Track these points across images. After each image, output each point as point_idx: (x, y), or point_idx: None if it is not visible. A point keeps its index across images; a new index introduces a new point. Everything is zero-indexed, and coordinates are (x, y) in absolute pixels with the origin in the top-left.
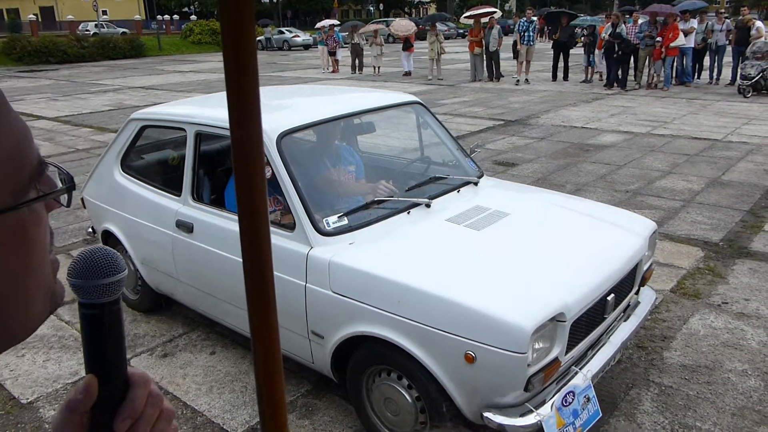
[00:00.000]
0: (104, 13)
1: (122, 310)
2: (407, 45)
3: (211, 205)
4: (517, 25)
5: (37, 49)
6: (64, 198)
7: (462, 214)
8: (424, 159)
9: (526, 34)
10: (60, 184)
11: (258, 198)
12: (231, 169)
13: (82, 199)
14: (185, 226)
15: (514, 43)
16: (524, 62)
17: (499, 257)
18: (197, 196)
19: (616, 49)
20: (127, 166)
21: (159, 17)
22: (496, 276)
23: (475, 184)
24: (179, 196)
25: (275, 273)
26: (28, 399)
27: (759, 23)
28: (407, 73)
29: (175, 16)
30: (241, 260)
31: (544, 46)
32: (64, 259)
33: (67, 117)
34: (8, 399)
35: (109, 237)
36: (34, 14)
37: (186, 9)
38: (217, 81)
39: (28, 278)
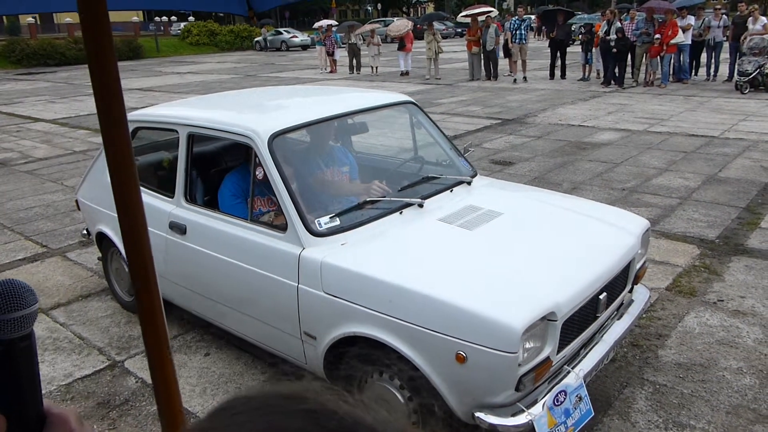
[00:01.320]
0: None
1: (35, 345)
2: (402, 45)
3: (204, 207)
4: (508, 24)
5: (35, 52)
6: None
7: (454, 213)
8: (418, 159)
9: (517, 32)
10: None
11: (131, 191)
12: (224, 170)
13: (76, 201)
14: (178, 228)
15: (506, 42)
16: (519, 61)
17: (491, 257)
18: (190, 198)
19: (612, 45)
20: None
21: (156, 18)
22: (487, 275)
23: (469, 183)
24: (172, 197)
25: (268, 274)
26: None
27: (765, 19)
28: (404, 73)
29: (173, 18)
30: (234, 261)
31: (541, 45)
32: (60, 261)
33: (64, 119)
34: None
35: (103, 239)
36: (32, 17)
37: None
38: (215, 82)
39: None
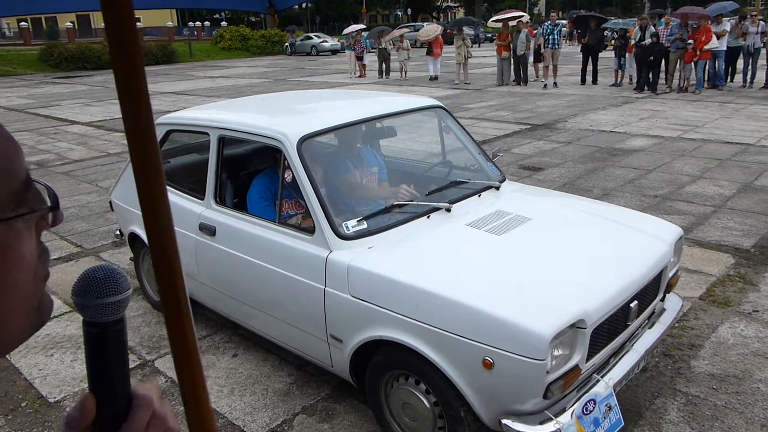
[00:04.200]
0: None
1: (125, 328)
2: (430, 50)
3: (234, 209)
4: (541, 29)
5: (73, 56)
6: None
7: (482, 218)
8: (446, 163)
9: (550, 37)
10: (48, 203)
11: (158, 192)
12: (253, 173)
13: (110, 202)
14: (208, 229)
15: (537, 47)
16: (550, 66)
17: (519, 262)
18: (220, 200)
19: (647, 50)
20: None
21: (190, 24)
22: (515, 281)
23: (497, 188)
24: (202, 199)
25: (295, 276)
26: (55, 398)
27: None
28: (434, 78)
29: (206, 23)
30: (262, 263)
31: (572, 50)
32: (93, 261)
33: (100, 122)
34: (36, 398)
35: (135, 239)
36: (71, 22)
37: (217, 15)
38: (247, 86)
39: (3, 295)
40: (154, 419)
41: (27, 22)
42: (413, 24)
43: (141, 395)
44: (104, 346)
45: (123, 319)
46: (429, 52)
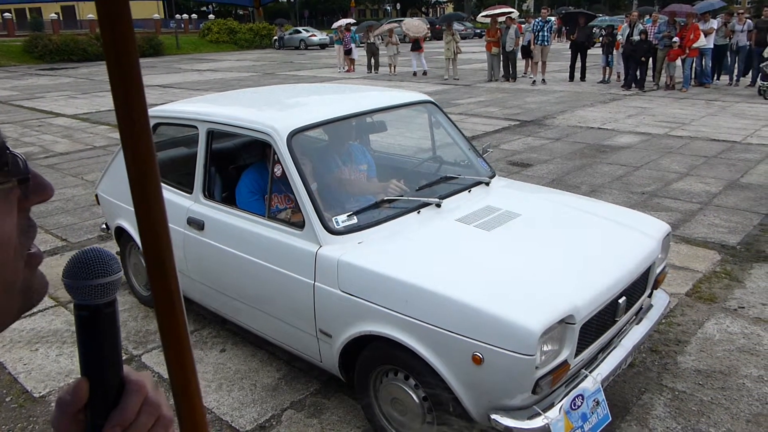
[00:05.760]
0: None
1: (118, 312)
2: (416, 45)
3: (223, 203)
4: (531, 25)
5: (58, 48)
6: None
7: (472, 214)
8: (436, 158)
9: (540, 34)
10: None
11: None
12: (242, 167)
13: (96, 196)
14: (196, 224)
15: (528, 43)
16: (539, 62)
17: (509, 258)
18: (209, 194)
19: (634, 47)
20: None
21: (177, 16)
22: (504, 277)
23: (487, 184)
24: (191, 193)
25: (284, 271)
26: (40, 393)
27: None
28: (423, 73)
29: (194, 15)
30: (251, 258)
31: (561, 47)
32: None
33: (85, 114)
34: (21, 392)
35: (122, 233)
36: (55, 13)
37: (204, 8)
38: (235, 80)
39: None
40: (147, 405)
41: (11, 12)
42: (401, 19)
43: (134, 381)
44: (96, 329)
45: (115, 303)
46: (415, 48)
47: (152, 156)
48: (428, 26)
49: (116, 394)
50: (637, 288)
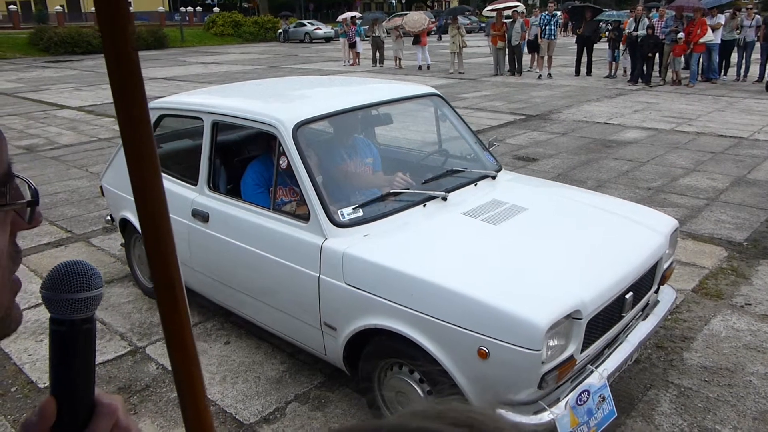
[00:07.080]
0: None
1: (95, 330)
2: (418, 39)
3: (227, 195)
4: (538, 19)
5: (63, 40)
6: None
7: (478, 207)
8: (442, 152)
9: (547, 28)
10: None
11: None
12: (247, 159)
13: (101, 187)
14: (201, 216)
15: (534, 38)
16: (546, 57)
17: (515, 252)
18: (213, 186)
19: (640, 42)
20: None
21: (182, 9)
22: (511, 271)
23: (493, 177)
24: (195, 185)
25: (289, 264)
26: (45, 383)
27: None
28: (426, 67)
29: (198, 8)
30: (256, 250)
31: (567, 41)
32: (84, 246)
33: (90, 107)
34: (26, 383)
35: (126, 225)
36: (60, 5)
37: (209, 1)
38: (239, 73)
39: None
40: (117, 430)
41: (16, 5)
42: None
43: (105, 404)
44: (70, 347)
45: (93, 320)
46: (417, 42)
47: (151, 143)
48: (431, 20)
49: (86, 416)
50: (644, 283)
